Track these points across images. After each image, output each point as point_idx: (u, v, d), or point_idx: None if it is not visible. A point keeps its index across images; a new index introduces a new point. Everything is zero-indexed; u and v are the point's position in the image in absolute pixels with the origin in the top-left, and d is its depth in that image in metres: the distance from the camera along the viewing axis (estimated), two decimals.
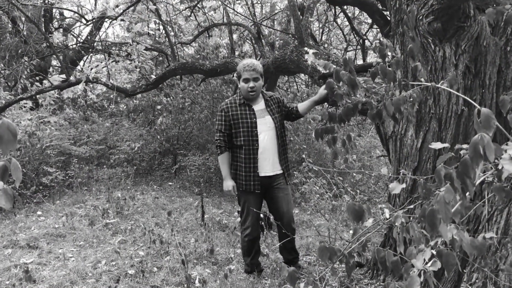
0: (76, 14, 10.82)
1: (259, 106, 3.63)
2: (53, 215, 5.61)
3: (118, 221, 5.29)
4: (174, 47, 7.36)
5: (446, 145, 1.61)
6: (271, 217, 3.69)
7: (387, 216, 1.56)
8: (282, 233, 3.63)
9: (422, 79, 1.84)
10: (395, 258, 1.50)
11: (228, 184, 3.59)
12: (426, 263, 1.36)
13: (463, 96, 1.69)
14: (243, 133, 3.53)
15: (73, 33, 11.39)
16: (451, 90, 1.71)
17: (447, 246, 1.29)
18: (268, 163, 3.58)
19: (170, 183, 7.57)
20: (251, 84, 3.51)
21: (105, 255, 4.22)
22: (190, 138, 8.62)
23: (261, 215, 3.67)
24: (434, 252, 1.31)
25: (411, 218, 1.51)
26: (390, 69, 1.80)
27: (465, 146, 1.51)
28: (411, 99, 1.79)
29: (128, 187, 7.04)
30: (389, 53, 1.93)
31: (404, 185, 1.73)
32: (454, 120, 2.93)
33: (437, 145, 1.63)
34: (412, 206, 1.75)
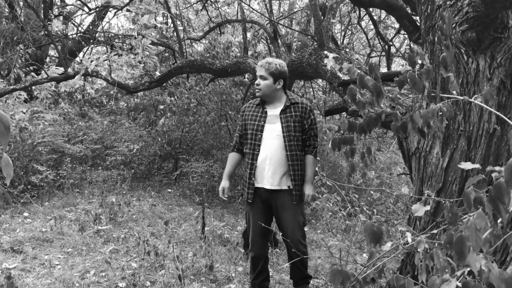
0: (79, 2, 10.95)
1: (275, 110, 3.54)
2: (40, 217, 5.64)
3: (110, 229, 5.30)
4: (183, 43, 7.41)
5: (477, 166, 1.59)
6: (280, 234, 3.64)
7: (409, 240, 1.55)
8: (290, 254, 3.52)
9: (454, 92, 1.82)
10: (416, 287, 1.48)
11: (221, 184, 3.77)
12: None
13: (497, 113, 1.67)
14: (248, 136, 3.57)
15: (74, 22, 11.50)
16: (486, 106, 1.69)
17: (475, 278, 1.28)
18: (268, 175, 3.46)
19: (169, 190, 7.58)
20: (257, 81, 3.56)
21: (94, 265, 4.22)
22: (193, 142, 8.62)
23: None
24: (460, 284, 1.30)
25: (435, 245, 1.49)
26: (419, 78, 1.79)
27: (497, 168, 1.50)
28: (441, 113, 1.78)
29: (124, 192, 7.06)
30: (419, 61, 1.92)
31: (427, 208, 1.71)
32: (485, 139, 2.90)
33: (467, 166, 1.61)
34: (435, 231, 1.73)
